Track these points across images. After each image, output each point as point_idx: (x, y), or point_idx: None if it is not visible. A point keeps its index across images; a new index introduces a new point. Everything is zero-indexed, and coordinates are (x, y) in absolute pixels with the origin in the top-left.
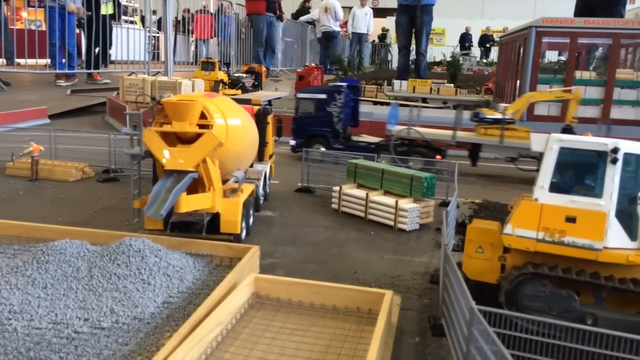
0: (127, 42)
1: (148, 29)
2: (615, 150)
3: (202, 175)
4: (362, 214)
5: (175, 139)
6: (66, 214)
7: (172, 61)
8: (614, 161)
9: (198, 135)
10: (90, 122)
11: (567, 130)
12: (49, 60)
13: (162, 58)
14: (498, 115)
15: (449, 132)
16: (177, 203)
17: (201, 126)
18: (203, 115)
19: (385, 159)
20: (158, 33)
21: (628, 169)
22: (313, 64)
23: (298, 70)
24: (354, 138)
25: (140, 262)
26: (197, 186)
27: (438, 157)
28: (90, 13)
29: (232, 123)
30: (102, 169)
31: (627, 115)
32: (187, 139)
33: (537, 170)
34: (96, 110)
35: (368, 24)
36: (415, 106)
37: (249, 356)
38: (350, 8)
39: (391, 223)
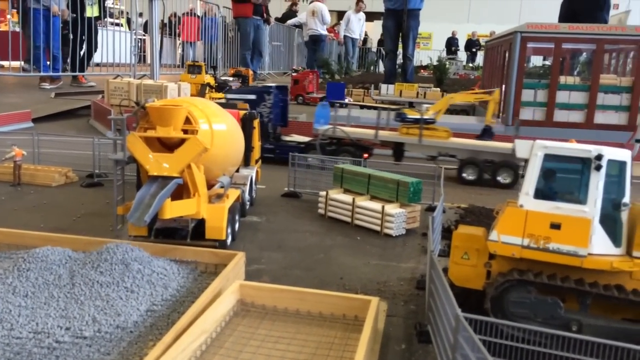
0: (113, 45)
1: (134, 31)
2: (599, 157)
3: (186, 180)
4: (349, 219)
5: (159, 145)
6: (48, 220)
7: (158, 64)
8: (598, 168)
9: (183, 141)
10: (74, 126)
11: (487, 130)
12: (23, 63)
13: (149, 61)
14: (418, 116)
15: (373, 132)
16: (162, 209)
17: (186, 131)
18: (188, 120)
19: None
20: (144, 35)
21: (612, 176)
22: (301, 67)
23: (292, 74)
24: (284, 138)
25: (124, 270)
26: (181, 192)
27: (365, 155)
28: (75, 15)
29: (218, 128)
30: (86, 174)
31: (611, 120)
32: (171, 145)
33: (523, 177)
34: (81, 113)
35: (361, 29)
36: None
37: None
38: (338, 12)
39: (378, 228)
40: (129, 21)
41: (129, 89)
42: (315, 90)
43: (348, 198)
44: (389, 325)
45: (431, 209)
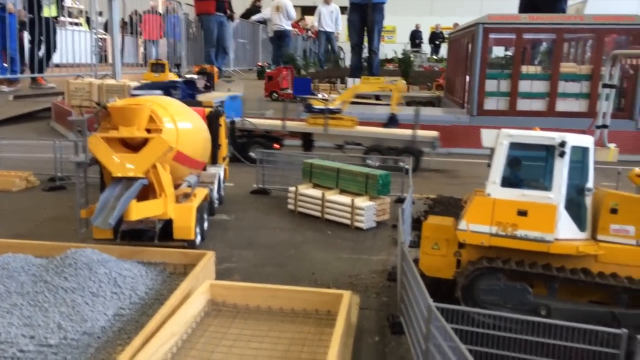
0: (73, 45)
1: (94, 30)
2: (562, 144)
3: (152, 181)
4: (319, 214)
5: (122, 145)
6: (9, 226)
7: (120, 63)
8: (562, 154)
9: (147, 140)
10: (35, 129)
11: (392, 118)
12: None
13: (110, 60)
14: (324, 106)
15: (281, 123)
16: (127, 211)
17: (150, 130)
18: (152, 120)
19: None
20: (105, 35)
21: (575, 162)
22: (266, 63)
23: (267, 70)
24: None
25: (89, 274)
26: (147, 192)
27: (276, 146)
28: (32, 15)
29: (183, 126)
30: (47, 178)
31: (572, 108)
32: (135, 145)
33: (489, 165)
34: (41, 115)
35: (336, 22)
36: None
37: None
38: (302, 7)
39: (348, 222)
40: (88, 20)
41: (90, 89)
42: (290, 86)
43: (317, 193)
44: (362, 318)
45: (400, 200)
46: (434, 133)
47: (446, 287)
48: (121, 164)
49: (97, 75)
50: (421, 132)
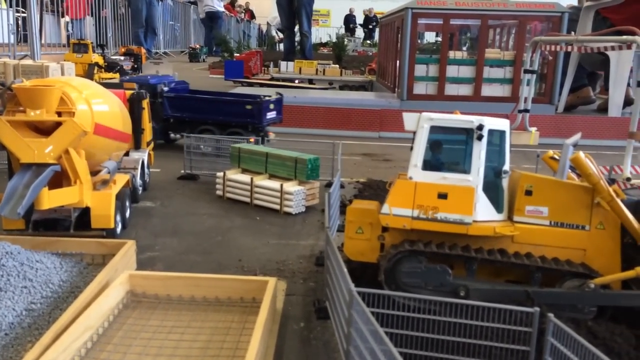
0: None
1: (13, 9)
2: (480, 127)
3: (65, 167)
4: (248, 200)
5: (32, 129)
6: None
7: (39, 43)
8: (480, 137)
9: (58, 124)
10: None
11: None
12: None
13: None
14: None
15: None
16: (38, 199)
17: (61, 114)
18: (63, 102)
19: None
20: (24, 13)
21: (493, 144)
22: (198, 45)
23: (239, 55)
24: None
25: None
26: (61, 180)
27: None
28: None
29: (98, 109)
30: None
31: (496, 93)
32: (46, 129)
33: (412, 149)
34: None
35: None
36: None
37: None
38: None
39: (277, 207)
40: None
41: (4, 70)
42: (260, 71)
43: (246, 178)
44: (287, 304)
45: (330, 184)
46: None
47: (372, 272)
48: (30, 149)
49: (16, 55)
50: None
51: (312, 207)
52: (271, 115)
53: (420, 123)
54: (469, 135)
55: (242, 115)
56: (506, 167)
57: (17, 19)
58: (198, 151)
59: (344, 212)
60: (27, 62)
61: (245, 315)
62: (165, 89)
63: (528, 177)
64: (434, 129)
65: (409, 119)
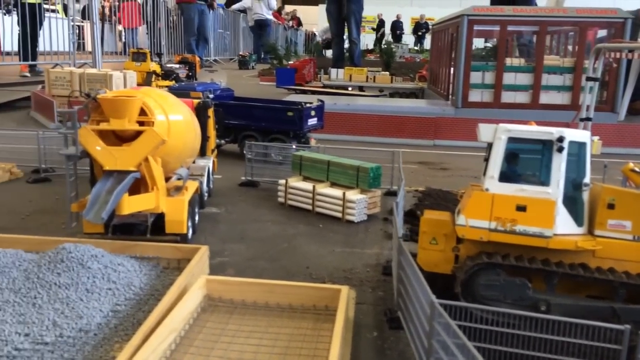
0: (50, 32)
1: (71, 17)
2: (560, 139)
3: (144, 174)
4: (310, 207)
5: (113, 138)
6: None
7: (101, 52)
8: (560, 150)
9: (138, 133)
10: (14, 118)
11: None
12: None
13: (88, 48)
14: None
15: None
16: (119, 205)
17: (141, 123)
18: (143, 112)
19: None
20: (82, 22)
21: (572, 157)
22: (247, 53)
23: (292, 63)
24: None
25: (82, 269)
26: (139, 186)
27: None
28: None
29: (174, 118)
30: (31, 169)
31: (555, 100)
32: (126, 137)
33: (486, 160)
34: (20, 105)
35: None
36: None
37: None
38: None
39: (339, 215)
40: (65, 7)
41: (71, 78)
42: (314, 78)
43: (308, 186)
44: (358, 313)
45: (390, 193)
46: None
47: (442, 282)
48: (112, 156)
49: (76, 64)
50: None
51: (373, 216)
52: (312, 121)
53: (497, 134)
54: (547, 147)
55: (283, 122)
56: (587, 179)
57: (75, 28)
58: (260, 159)
59: (407, 221)
60: (92, 70)
61: (319, 323)
62: (211, 96)
63: (610, 190)
64: (511, 140)
65: (485, 130)
